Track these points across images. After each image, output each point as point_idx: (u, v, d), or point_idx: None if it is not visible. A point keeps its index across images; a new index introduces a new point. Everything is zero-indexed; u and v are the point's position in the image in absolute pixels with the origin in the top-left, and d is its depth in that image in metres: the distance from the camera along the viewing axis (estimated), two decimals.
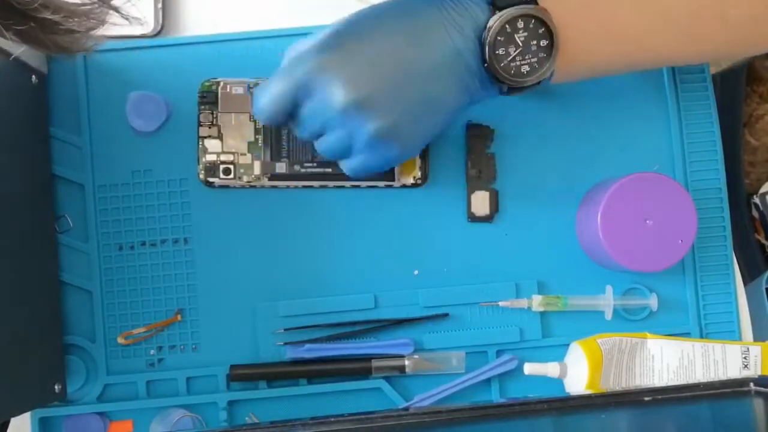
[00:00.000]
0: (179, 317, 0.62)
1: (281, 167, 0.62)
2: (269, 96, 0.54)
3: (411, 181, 0.63)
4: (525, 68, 0.53)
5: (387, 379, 0.62)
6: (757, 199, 0.70)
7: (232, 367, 0.62)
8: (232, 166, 0.62)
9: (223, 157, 0.62)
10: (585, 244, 0.63)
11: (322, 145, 0.55)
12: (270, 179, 0.62)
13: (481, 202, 0.63)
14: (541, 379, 0.60)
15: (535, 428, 0.52)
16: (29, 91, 0.59)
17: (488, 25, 0.52)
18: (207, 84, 0.62)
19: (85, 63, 0.63)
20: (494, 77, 0.53)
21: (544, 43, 0.52)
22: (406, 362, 0.62)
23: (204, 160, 0.62)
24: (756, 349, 0.61)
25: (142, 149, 0.63)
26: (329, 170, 0.62)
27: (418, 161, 0.62)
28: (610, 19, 0.54)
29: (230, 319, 0.63)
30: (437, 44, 0.52)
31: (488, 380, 0.62)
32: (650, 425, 0.52)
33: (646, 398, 0.51)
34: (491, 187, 0.63)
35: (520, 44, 0.52)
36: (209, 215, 0.63)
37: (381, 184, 0.63)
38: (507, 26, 0.52)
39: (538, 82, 0.54)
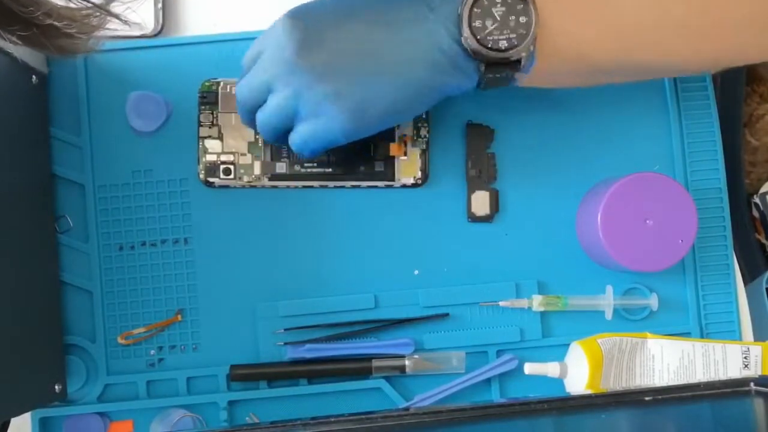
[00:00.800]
0: (179, 317, 0.62)
1: (281, 167, 0.62)
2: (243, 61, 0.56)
3: (411, 181, 0.63)
4: (503, 43, 0.51)
5: (387, 379, 0.62)
6: (757, 199, 0.70)
7: (233, 367, 0.62)
8: (232, 166, 0.62)
9: (223, 157, 0.62)
10: (585, 244, 0.63)
11: (263, 113, 0.54)
12: (270, 179, 0.62)
13: (481, 202, 0.63)
14: (541, 379, 0.60)
15: (535, 428, 0.52)
16: (29, 91, 0.59)
17: None
18: (207, 84, 0.62)
19: (85, 63, 0.63)
20: (471, 51, 0.51)
21: (523, 19, 0.51)
22: (407, 362, 0.62)
23: (204, 160, 0.62)
24: (756, 349, 0.61)
25: (142, 149, 0.63)
26: (329, 170, 0.62)
27: (419, 161, 0.63)
28: (602, 8, 0.52)
29: (230, 319, 0.63)
30: (403, 21, 0.51)
31: (488, 380, 0.62)
32: (650, 425, 0.52)
33: (647, 398, 0.51)
34: (491, 187, 0.63)
35: (498, 18, 0.51)
36: (209, 215, 0.63)
37: (381, 184, 0.63)
38: None
39: (518, 62, 0.52)
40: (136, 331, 0.62)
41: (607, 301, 0.62)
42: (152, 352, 0.63)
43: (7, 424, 0.61)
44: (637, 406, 0.51)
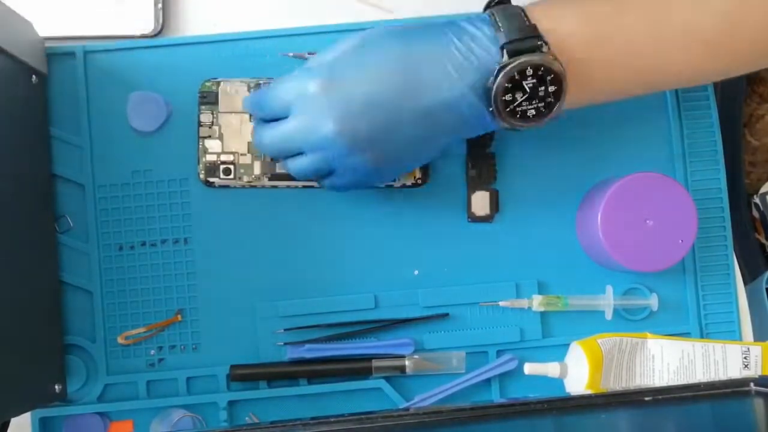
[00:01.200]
0: (179, 317, 0.62)
1: (281, 167, 0.62)
2: (266, 94, 0.56)
3: (411, 181, 0.63)
4: (531, 112, 0.52)
5: (387, 379, 0.62)
6: (757, 199, 0.70)
7: (233, 367, 0.62)
8: (232, 166, 0.62)
9: (223, 157, 0.62)
10: (585, 244, 0.63)
11: (296, 166, 0.56)
12: (270, 179, 0.62)
13: (481, 202, 0.63)
14: (541, 379, 0.60)
15: (535, 428, 0.52)
16: (29, 91, 0.59)
17: (497, 73, 0.51)
18: (207, 84, 0.62)
19: (85, 63, 0.63)
20: (499, 120, 0.52)
21: (552, 89, 0.52)
22: (407, 362, 0.62)
23: (204, 160, 0.62)
24: (756, 349, 0.61)
25: (142, 149, 0.63)
26: None
27: None
28: (627, 46, 0.53)
29: (230, 319, 0.63)
30: (436, 89, 0.52)
31: (488, 380, 0.62)
32: (650, 425, 0.52)
33: (647, 398, 0.51)
34: (491, 187, 0.63)
35: (528, 90, 0.51)
36: (209, 215, 0.63)
37: (381, 184, 0.63)
38: (516, 74, 0.51)
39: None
40: (136, 331, 0.62)
41: (607, 301, 0.62)
42: (152, 352, 0.63)
43: (7, 424, 0.61)
44: (637, 406, 0.51)
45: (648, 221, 0.58)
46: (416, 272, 0.63)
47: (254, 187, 0.63)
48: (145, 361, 0.62)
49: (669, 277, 0.63)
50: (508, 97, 0.51)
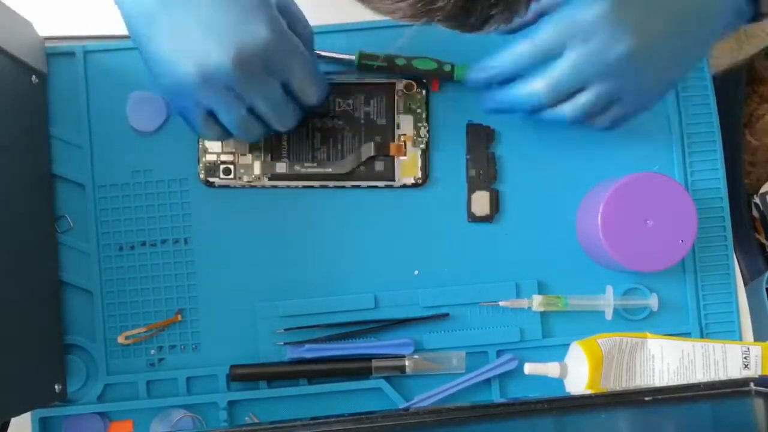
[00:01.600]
0: (179, 317, 0.62)
1: (281, 167, 0.62)
2: (533, 42, 0.52)
3: (411, 181, 0.63)
4: None
5: (387, 379, 0.62)
6: (757, 199, 0.70)
7: (233, 367, 0.62)
8: (232, 166, 0.62)
9: (223, 157, 0.62)
10: (585, 244, 0.63)
11: (576, 106, 0.53)
12: (270, 179, 0.62)
13: (481, 202, 0.63)
14: (541, 379, 0.60)
15: (535, 428, 0.52)
16: (29, 91, 0.59)
17: None
18: None
19: (85, 63, 0.63)
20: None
21: None
22: (407, 362, 0.61)
23: (204, 159, 0.62)
24: (756, 349, 0.61)
25: (142, 149, 0.63)
26: (329, 170, 0.62)
27: (419, 161, 0.63)
28: None
29: (230, 319, 0.63)
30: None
31: (488, 380, 0.62)
32: (650, 425, 0.52)
33: (647, 398, 0.51)
34: (491, 187, 0.63)
35: None
36: (209, 215, 0.63)
37: (381, 184, 0.63)
38: None
39: None
40: (136, 331, 0.62)
41: (607, 301, 0.62)
42: (152, 352, 0.63)
43: (7, 424, 0.61)
44: (637, 406, 0.51)
45: (648, 221, 0.58)
46: (416, 272, 0.63)
47: (254, 187, 0.63)
48: (145, 361, 0.62)
49: (669, 277, 0.63)
50: None
